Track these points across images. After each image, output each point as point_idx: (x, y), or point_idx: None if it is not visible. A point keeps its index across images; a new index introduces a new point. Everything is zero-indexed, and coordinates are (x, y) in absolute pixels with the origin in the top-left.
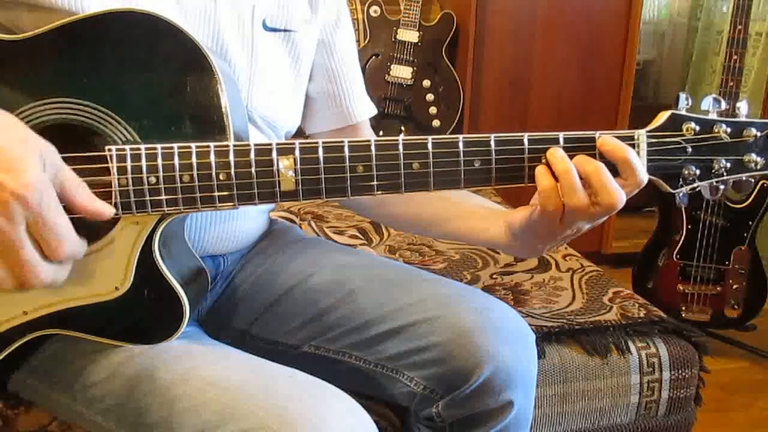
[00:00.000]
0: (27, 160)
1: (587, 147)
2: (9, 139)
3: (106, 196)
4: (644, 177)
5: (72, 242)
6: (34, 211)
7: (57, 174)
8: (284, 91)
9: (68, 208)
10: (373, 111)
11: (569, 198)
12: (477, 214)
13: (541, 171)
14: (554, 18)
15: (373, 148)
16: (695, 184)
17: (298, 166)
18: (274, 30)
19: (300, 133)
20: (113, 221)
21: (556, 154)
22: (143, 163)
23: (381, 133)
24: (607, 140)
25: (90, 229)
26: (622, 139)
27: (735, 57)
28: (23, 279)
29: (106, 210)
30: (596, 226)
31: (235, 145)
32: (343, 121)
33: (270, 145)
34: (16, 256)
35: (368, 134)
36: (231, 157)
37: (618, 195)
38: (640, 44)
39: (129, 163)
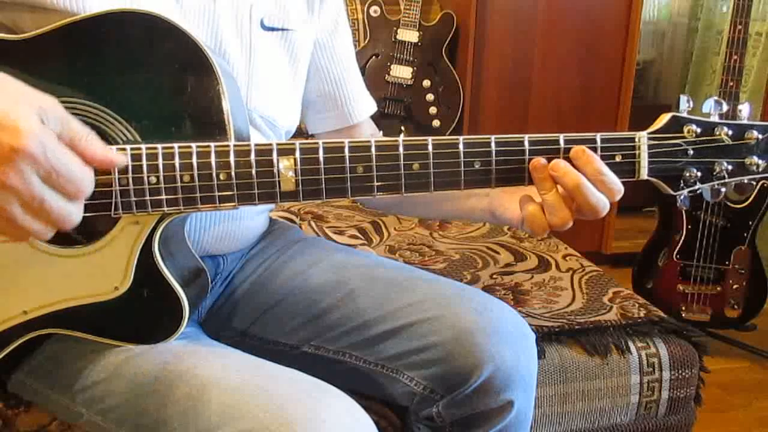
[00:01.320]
0: (21, 114)
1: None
2: (3, 100)
3: (106, 196)
4: (616, 188)
5: (89, 181)
6: (42, 164)
7: (62, 126)
8: (283, 90)
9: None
10: (372, 108)
11: (551, 216)
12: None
13: (524, 198)
14: (554, 18)
15: (373, 149)
16: (696, 187)
17: (299, 166)
18: (272, 29)
19: (299, 133)
20: (113, 221)
21: (544, 185)
22: (144, 162)
23: (381, 133)
24: (559, 166)
25: (90, 228)
26: (623, 140)
27: (735, 57)
28: (56, 225)
29: (119, 159)
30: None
31: (235, 146)
32: (343, 121)
33: (270, 145)
34: (41, 208)
35: (370, 131)
36: (231, 158)
37: (602, 208)
38: (640, 44)
39: (129, 163)
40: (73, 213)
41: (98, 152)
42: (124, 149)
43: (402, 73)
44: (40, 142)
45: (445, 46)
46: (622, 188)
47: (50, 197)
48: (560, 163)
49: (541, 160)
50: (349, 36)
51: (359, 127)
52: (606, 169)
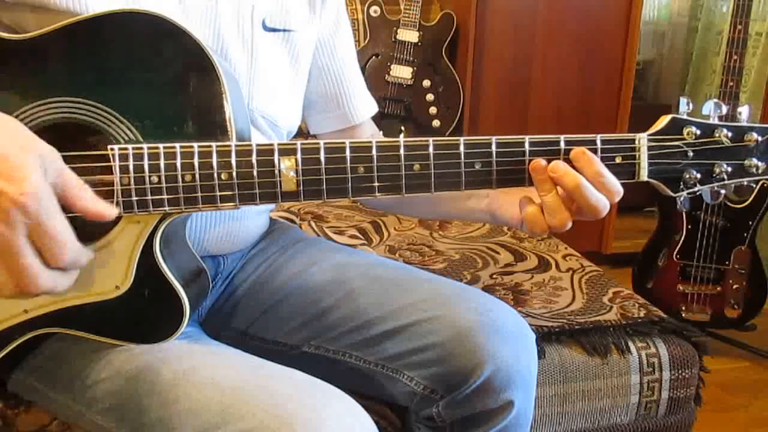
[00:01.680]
0: (27, 166)
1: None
2: (9, 145)
3: (108, 195)
4: (616, 189)
5: (72, 248)
6: (34, 218)
7: (59, 178)
8: (284, 90)
9: (71, 211)
10: (374, 109)
11: (551, 217)
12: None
13: (523, 199)
14: (554, 18)
15: (374, 149)
16: (696, 189)
17: (300, 166)
18: (274, 30)
19: (300, 133)
20: (115, 220)
21: (544, 186)
22: (145, 162)
23: (381, 133)
24: (559, 167)
25: (91, 228)
26: (623, 142)
27: (735, 57)
28: (22, 285)
29: (109, 212)
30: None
31: (237, 146)
32: (345, 122)
33: (272, 145)
34: (16, 263)
35: (371, 132)
36: (233, 158)
37: (602, 208)
38: (640, 44)
39: (131, 163)
40: (47, 281)
41: (89, 205)
42: (126, 149)
43: (402, 73)
44: (39, 197)
45: (445, 46)
46: (621, 190)
47: (30, 256)
48: (560, 165)
49: (540, 161)
50: (350, 36)
51: (360, 128)
52: (606, 171)
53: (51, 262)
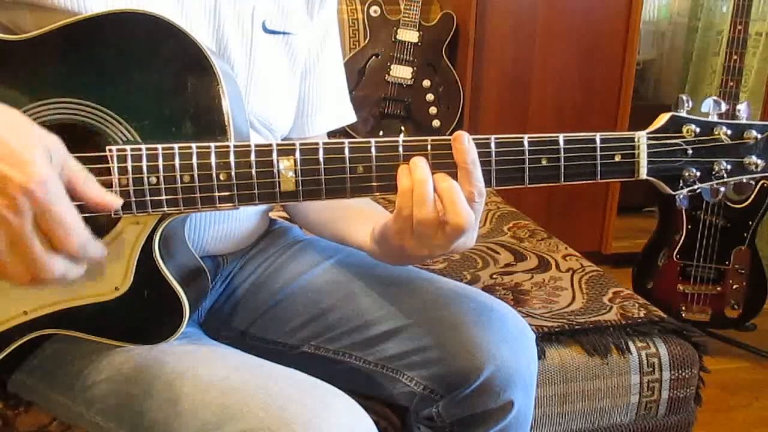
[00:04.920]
0: (33, 153)
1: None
2: (15, 134)
3: None
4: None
5: (81, 234)
6: (42, 204)
7: (64, 167)
8: (281, 93)
9: (76, 201)
10: (334, 125)
11: (418, 208)
12: (361, 217)
13: (404, 171)
14: (554, 18)
15: (373, 149)
16: (695, 186)
17: (299, 167)
18: (274, 32)
19: None
20: (114, 221)
21: (418, 163)
22: (144, 163)
23: (381, 133)
24: (461, 139)
25: (90, 228)
26: (622, 140)
27: (735, 57)
28: (35, 272)
29: (115, 202)
30: (459, 251)
31: (235, 146)
32: (300, 132)
33: (270, 145)
34: (26, 250)
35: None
36: (231, 158)
37: (466, 216)
38: (640, 44)
39: (130, 163)
40: (57, 267)
41: (94, 194)
42: (124, 149)
43: (402, 73)
44: (45, 184)
45: (445, 46)
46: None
47: (38, 243)
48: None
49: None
50: (334, 51)
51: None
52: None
53: (60, 248)
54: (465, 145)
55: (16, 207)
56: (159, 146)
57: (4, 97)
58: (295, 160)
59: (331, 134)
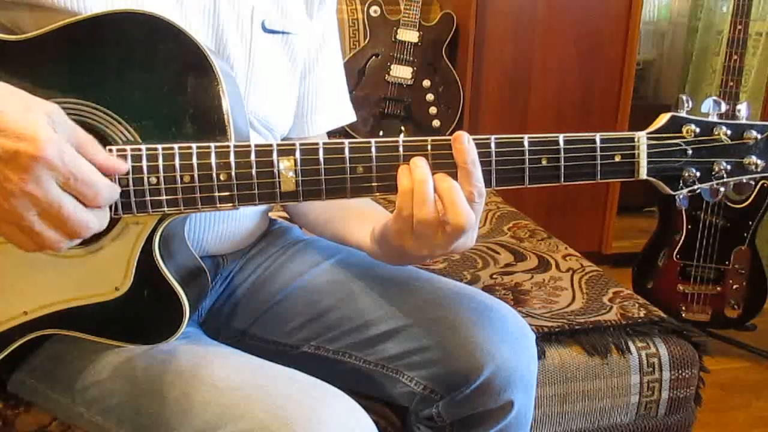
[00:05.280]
0: (36, 123)
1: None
2: (14, 109)
3: None
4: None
5: (106, 185)
6: (61, 169)
7: (70, 133)
8: (281, 93)
9: None
10: (334, 124)
11: (419, 208)
12: (361, 217)
13: (404, 171)
14: (554, 18)
15: (373, 149)
16: (695, 187)
17: (299, 167)
18: (273, 32)
19: None
20: (114, 221)
21: (418, 163)
22: (144, 163)
23: (381, 133)
24: (461, 139)
25: None
26: (622, 140)
27: (735, 57)
28: (73, 233)
29: (122, 165)
30: (459, 251)
31: (235, 146)
32: (299, 132)
33: (271, 146)
34: (59, 214)
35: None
36: (232, 158)
37: (466, 216)
38: (640, 44)
39: (130, 164)
40: (91, 221)
41: (101, 159)
42: (124, 150)
43: (402, 73)
44: (58, 149)
45: (445, 46)
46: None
47: (68, 203)
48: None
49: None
50: (334, 51)
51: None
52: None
53: (91, 204)
54: (465, 145)
55: (34, 177)
56: (159, 146)
57: None
58: (295, 160)
59: (331, 134)
